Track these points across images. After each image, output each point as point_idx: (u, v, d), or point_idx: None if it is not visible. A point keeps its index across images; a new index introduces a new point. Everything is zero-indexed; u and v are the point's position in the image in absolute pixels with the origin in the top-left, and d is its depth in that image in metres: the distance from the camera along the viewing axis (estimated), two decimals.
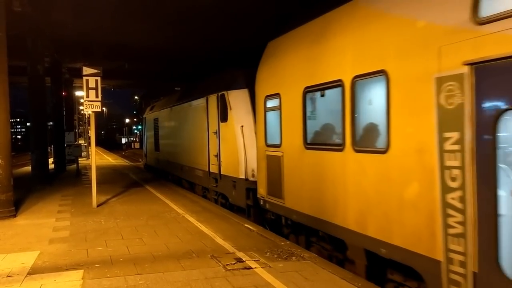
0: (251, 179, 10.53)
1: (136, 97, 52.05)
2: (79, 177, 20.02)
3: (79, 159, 24.18)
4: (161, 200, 12.77)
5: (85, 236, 8.37)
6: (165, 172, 20.79)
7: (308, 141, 7.58)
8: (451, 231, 4.53)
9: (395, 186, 5.39)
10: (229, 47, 19.63)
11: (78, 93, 34.76)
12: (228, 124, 11.68)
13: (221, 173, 12.28)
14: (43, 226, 9.32)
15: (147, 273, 6.00)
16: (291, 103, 8.05)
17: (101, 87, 11.53)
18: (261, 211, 9.86)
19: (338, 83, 6.54)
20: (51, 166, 22.11)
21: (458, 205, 4.44)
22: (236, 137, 11.16)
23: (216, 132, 12.53)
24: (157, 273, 6.01)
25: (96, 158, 13.52)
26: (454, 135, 4.49)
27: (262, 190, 9.40)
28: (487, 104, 4.19)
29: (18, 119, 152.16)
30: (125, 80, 33.51)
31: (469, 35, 4.32)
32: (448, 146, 4.57)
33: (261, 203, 9.46)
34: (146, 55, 22.97)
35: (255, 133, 10.26)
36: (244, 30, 16.64)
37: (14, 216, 10.46)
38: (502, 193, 4.15)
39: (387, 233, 5.54)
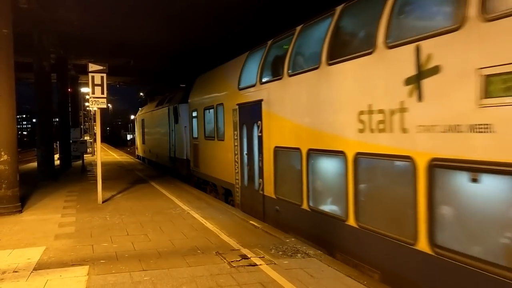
0: (190, 158, 17.05)
1: (141, 94, 51.99)
2: (84, 173, 20.13)
3: (85, 155, 24.27)
4: (166, 196, 12.80)
5: (91, 232, 8.41)
6: (148, 159, 28.82)
7: (205, 135, 14.33)
8: (235, 171, 11.15)
9: (226, 155, 11.83)
10: (232, 44, 19.60)
11: (83, 89, 34.86)
12: (178, 125, 19.03)
13: (176, 156, 19.78)
14: (49, 221, 9.37)
15: (152, 269, 6.02)
16: (200, 115, 14.97)
17: (107, 84, 11.57)
18: (192, 177, 16.63)
19: (212, 107, 13.38)
20: (57, 162, 22.21)
21: (237, 160, 10.98)
22: (182, 133, 18.29)
23: (173, 130, 20.15)
24: (162, 269, 6.03)
25: (101, 155, 13.58)
26: (236, 132, 11.00)
27: (192, 164, 16.47)
28: (241, 121, 10.70)
29: (24, 115, 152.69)
30: (131, 76, 33.51)
31: (238, 94, 10.98)
32: (235, 137, 11.13)
33: (192, 172, 16.53)
34: (151, 52, 22.98)
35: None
36: (246, 27, 16.68)
37: (20, 211, 10.53)
38: (244, 154, 10.57)
39: (224, 177, 12.18)
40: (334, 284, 5.47)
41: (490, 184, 4.42)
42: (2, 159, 10.28)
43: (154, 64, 27.56)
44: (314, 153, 7.51)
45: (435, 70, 4.83)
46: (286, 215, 8.59)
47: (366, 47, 6.02)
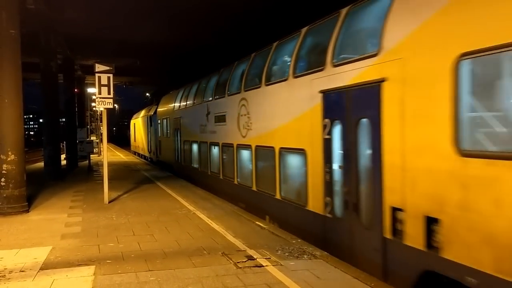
0: (157, 150, 26.43)
1: (147, 94, 52.15)
2: (91, 173, 20.20)
3: (91, 155, 24.37)
4: (172, 197, 12.81)
5: (97, 232, 8.42)
6: (137, 153, 38.75)
7: (163, 135, 24.03)
8: (174, 154, 21.06)
9: (171, 146, 21.63)
10: (237, 44, 19.61)
11: (90, 89, 35.01)
12: (152, 128, 28.51)
13: (151, 149, 29.32)
14: (55, 221, 9.40)
15: (158, 270, 6.01)
16: (161, 122, 24.45)
17: (113, 84, 11.58)
18: (159, 162, 25.94)
19: (165, 118, 23.17)
20: (64, 162, 22.31)
21: (174, 148, 21.01)
22: (154, 134, 27.59)
23: (149, 132, 29.76)
24: (168, 269, 6.02)
25: (108, 155, 13.59)
26: (174, 133, 20.90)
27: (158, 153, 26.08)
28: (174, 127, 20.88)
29: (31, 116, 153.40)
30: (137, 77, 33.63)
31: (174, 112, 20.78)
32: (173, 135, 20.98)
33: (157, 158, 26.22)
34: (157, 53, 23.04)
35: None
36: (252, 29, 16.72)
37: (27, 211, 10.57)
38: (176, 145, 20.76)
39: (171, 158, 21.98)
40: (341, 286, 5.43)
41: (216, 149, 14.03)
42: (9, 159, 10.32)
43: (160, 64, 27.63)
44: (193, 142, 16.79)
45: (211, 113, 14.21)
46: (187, 172, 18.00)
47: (200, 100, 15.64)
